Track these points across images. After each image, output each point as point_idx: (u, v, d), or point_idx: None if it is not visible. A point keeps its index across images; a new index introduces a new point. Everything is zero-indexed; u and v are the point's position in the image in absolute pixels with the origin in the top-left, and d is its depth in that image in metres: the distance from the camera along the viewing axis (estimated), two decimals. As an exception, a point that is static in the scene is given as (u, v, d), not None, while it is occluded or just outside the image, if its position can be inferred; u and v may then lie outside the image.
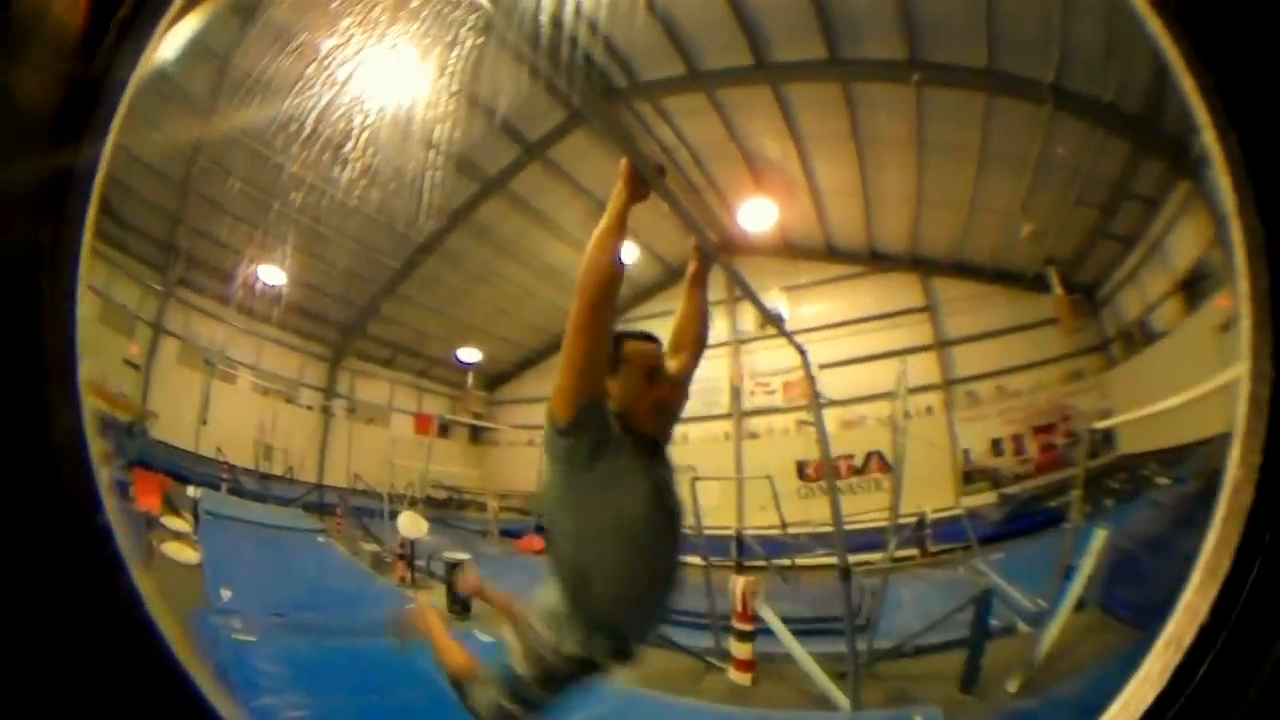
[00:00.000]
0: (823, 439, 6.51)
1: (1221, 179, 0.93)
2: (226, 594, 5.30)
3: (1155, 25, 0.98)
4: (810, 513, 8.47)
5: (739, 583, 5.67)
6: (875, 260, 9.75)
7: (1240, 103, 0.90)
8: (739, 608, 5.53)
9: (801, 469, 9.95)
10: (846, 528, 7.23)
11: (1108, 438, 10.31)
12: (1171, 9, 0.94)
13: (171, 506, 6.27)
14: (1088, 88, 6.29)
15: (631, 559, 2.19)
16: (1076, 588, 5.43)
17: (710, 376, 9.52)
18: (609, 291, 2.04)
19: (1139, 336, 10.98)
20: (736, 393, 9.86)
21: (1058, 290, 10.02)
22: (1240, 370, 0.94)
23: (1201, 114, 0.94)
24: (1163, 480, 8.30)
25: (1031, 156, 7.37)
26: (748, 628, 5.49)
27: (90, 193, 1.02)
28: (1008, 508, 8.08)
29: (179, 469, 6.85)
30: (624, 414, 2.18)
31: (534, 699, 2.42)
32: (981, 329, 10.83)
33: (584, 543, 2.18)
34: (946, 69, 6.32)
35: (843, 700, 4.99)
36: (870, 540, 7.85)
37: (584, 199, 7.38)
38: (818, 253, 9.54)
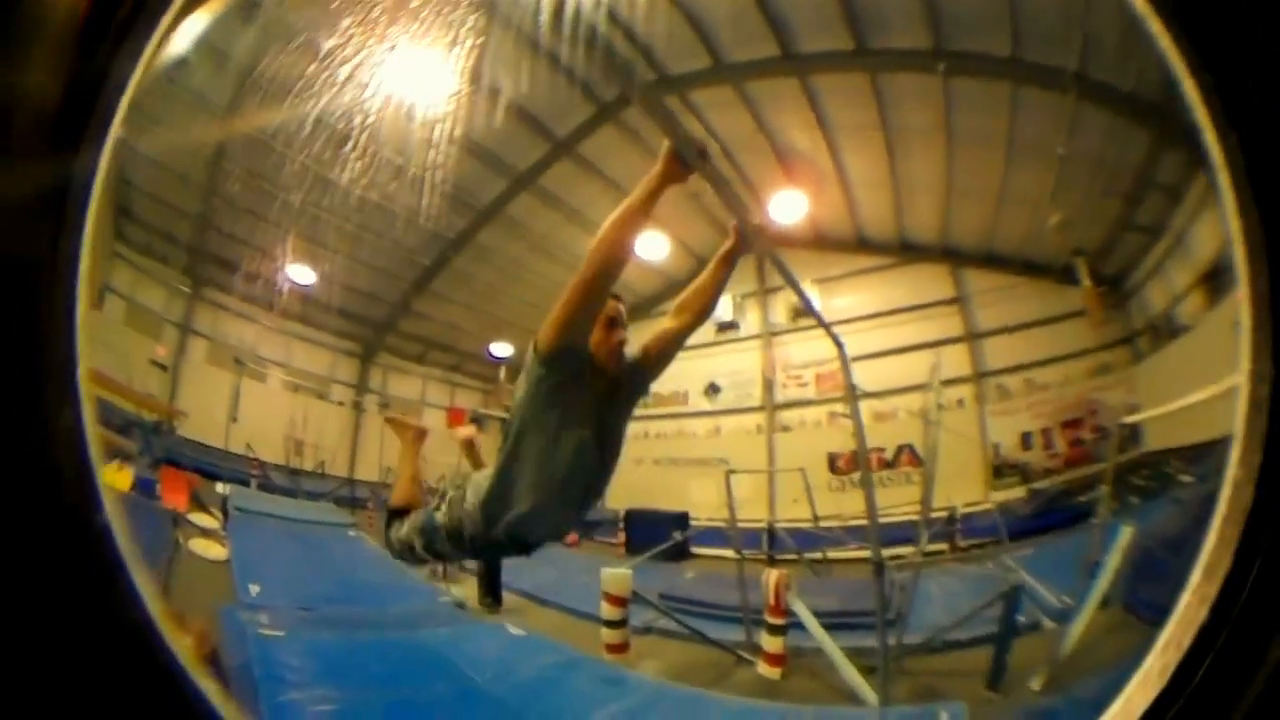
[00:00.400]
0: (859, 431, 6.47)
1: (1221, 179, 0.92)
2: (255, 589, 5.37)
3: (1155, 25, 0.97)
4: (842, 506, 8.44)
5: (772, 575, 5.66)
6: (905, 251, 9.69)
7: (1240, 103, 0.90)
8: (772, 601, 5.52)
9: (833, 462, 9.97)
10: (878, 521, 7.22)
11: (1134, 434, 10.14)
12: (1171, 9, 0.94)
13: (199, 503, 6.36)
14: (1109, 76, 6.22)
15: (549, 493, 2.40)
16: (1102, 585, 5.35)
17: (743, 369, 9.55)
18: (620, 264, 2.17)
19: (1165, 330, 10.79)
20: (769, 385, 9.81)
21: (1086, 282, 9.84)
22: (1240, 370, 0.94)
23: (1201, 114, 0.94)
24: (1186, 478, 8.16)
25: (1057, 146, 7.29)
26: (780, 621, 5.48)
27: (91, 192, 1.02)
28: (1036, 503, 7.99)
29: (209, 466, 6.97)
30: (591, 355, 2.38)
31: (440, 549, 2.79)
32: (1011, 321, 10.67)
33: (519, 461, 2.40)
34: (971, 58, 6.28)
35: (871, 695, 4.99)
36: (901, 534, 7.83)
37: (614, 193, 7.28)
38: (848, 244, 9.50)
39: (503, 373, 9.78)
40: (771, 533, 8.11)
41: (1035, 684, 4.85)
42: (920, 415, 9.96)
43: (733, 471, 7.25)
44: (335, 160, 5.32)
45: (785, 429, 9.99)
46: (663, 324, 2.66)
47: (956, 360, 10.73)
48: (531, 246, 8.79)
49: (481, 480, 2.56)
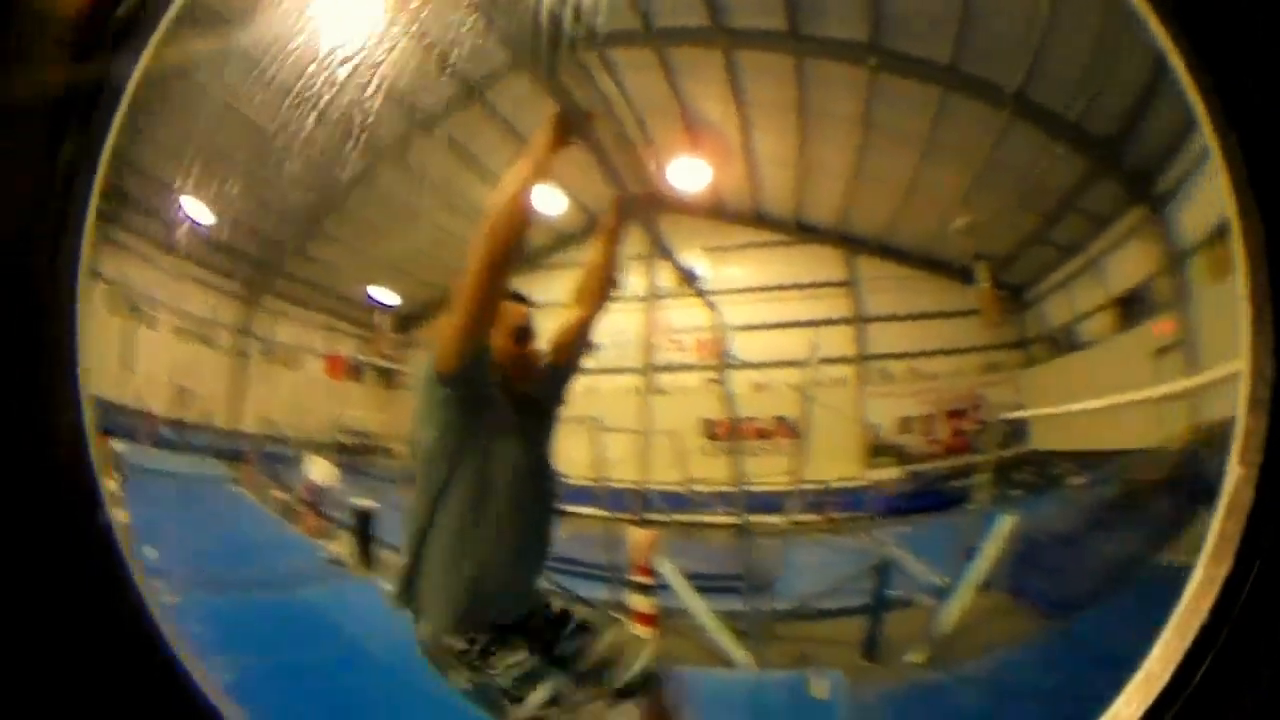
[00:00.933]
0: (728, 397, 6.56)
1: (1221, 179, 0.93)
2: (152, 554, 5.05)
3: (1155, 25, 0.97)
4: (715, 471, 8.55)
5: (638, 536, 5.70)
6: (802, 231, 9.84)
7: (1240, 103, 0.90)
8: (638, 561, 5.55)
9: (709, 427, 10.04)
10: (749, 489, 7.35)
11: (1019, 431, 10.76)
12: (1171, 9, 0.94)
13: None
14: (1056, 102, 6.43)
15: (496, 531, 2.06)
16: (979, 568, 5.60)
17: (624, 329, 9.46)
18: (516, 238, 1.95)
19: (1064, 342, 11.45)
20: (649, 347, 9.84)
21: (984, 284, 10.27)
22: (1240, 369, 0.95)
23: (1201, 114, 0.94)
24: (1077, 480, 8.71)
25: (980, 155, 7.50)
26: (647, 581, 5.56)
27: (91, 192, 1.00)
28: (915, 484, 8.33)
29: (108, 424, 6.40)
30: (502, 370, 2.12)
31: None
32: (901, 310, 11.07)
33: (447, 511, 2.04)
34: (907, 60, 6.36)
35: (743, 658, 5.11)
36: (772, 502, 8.11)
37: (516, 142, 7.17)
38: (746, 217, 9.60)
39: (384, 319, 9.46)
40: (644, 494, 8.14)
41: (914, 657, 5.04)
42: (798, 389, 10.23)
43: (603, 429, 7.19)
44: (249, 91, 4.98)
45: (662, 392, 10.03)
46: (565, 316, 2.48)
47: (841, 341, 11.05)
48: (425, 190, 8.50)
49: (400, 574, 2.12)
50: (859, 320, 11.27)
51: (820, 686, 4.48)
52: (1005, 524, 5.78)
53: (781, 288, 10.57)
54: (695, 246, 9.82)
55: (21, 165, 0.92)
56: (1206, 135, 0.96)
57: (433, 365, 1.98)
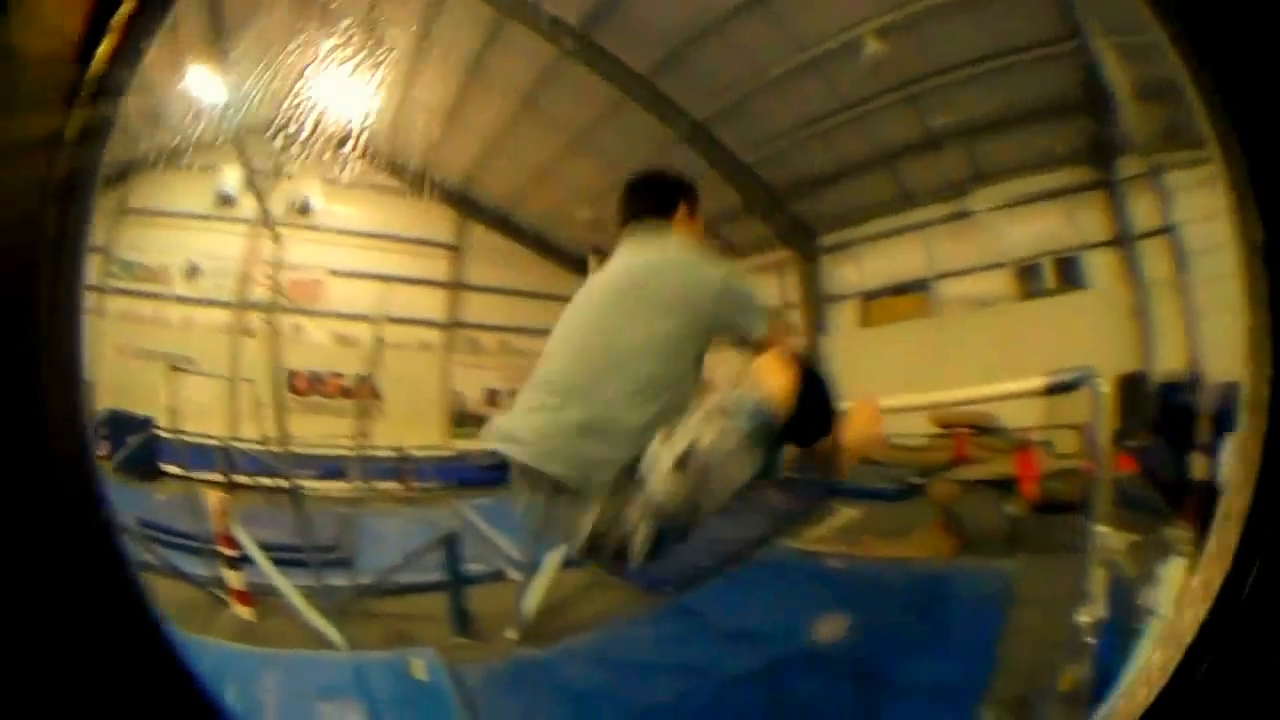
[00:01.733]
0: (273, 353, 6.10)
1: (1221, 179, 0.96)
2: None
3: (1155, 25, 0.98)
4: (300, 430, 7.77)
5: (214, 499, 4.96)
6: (422, 184, 9.48)
7: (1240, 103, 0.92)
8: (219, 529, 4.82)
9: (293, 380, 9.41)
10: (327, 451, 6.81)
11: None
12: (1171, 9, 0.96)
13: None
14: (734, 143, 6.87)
15: None
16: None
17: (226, 256, 8.29)
18: None
19: None
20: (245, 279, 8.78)
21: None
22: (1240, 370, 0.97)
23: (1201, 114, 0.97)
24: None
25: (628, 160, 7.78)
26: (232, 553, 4.84)
27: (92, 191, 0.96)
28: (497, 456, 8.25)
29: None
30: None
31: None
32: (503, 284, 11.15)
33: None
34: (600, 53, 6.51)
35: (338, 638, 4.62)
36: (349, 467, 7.62)
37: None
38: (377, 159, 8.98)
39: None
40: (227, 451, 7.11)
41: (511, 633, 4.93)
42: (384, 348, 9.93)
43: (178, 369, 6.21)
44: None
45: (250, 334, 9.03)
46: None
47: (435, 304, 10.88)
48: None
49: None
50: (457, 286, 11.13)
51: (419, 667, 4.18)
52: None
53: (389, 238, 9.99)
54: (315, 176, 8.64)
55: (21, 164, 0.87)
56: (1207, 135, 0.95)
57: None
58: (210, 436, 6.82)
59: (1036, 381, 2.01)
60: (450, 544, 5.37)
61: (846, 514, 8.26)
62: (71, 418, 0.93)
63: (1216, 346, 7.53)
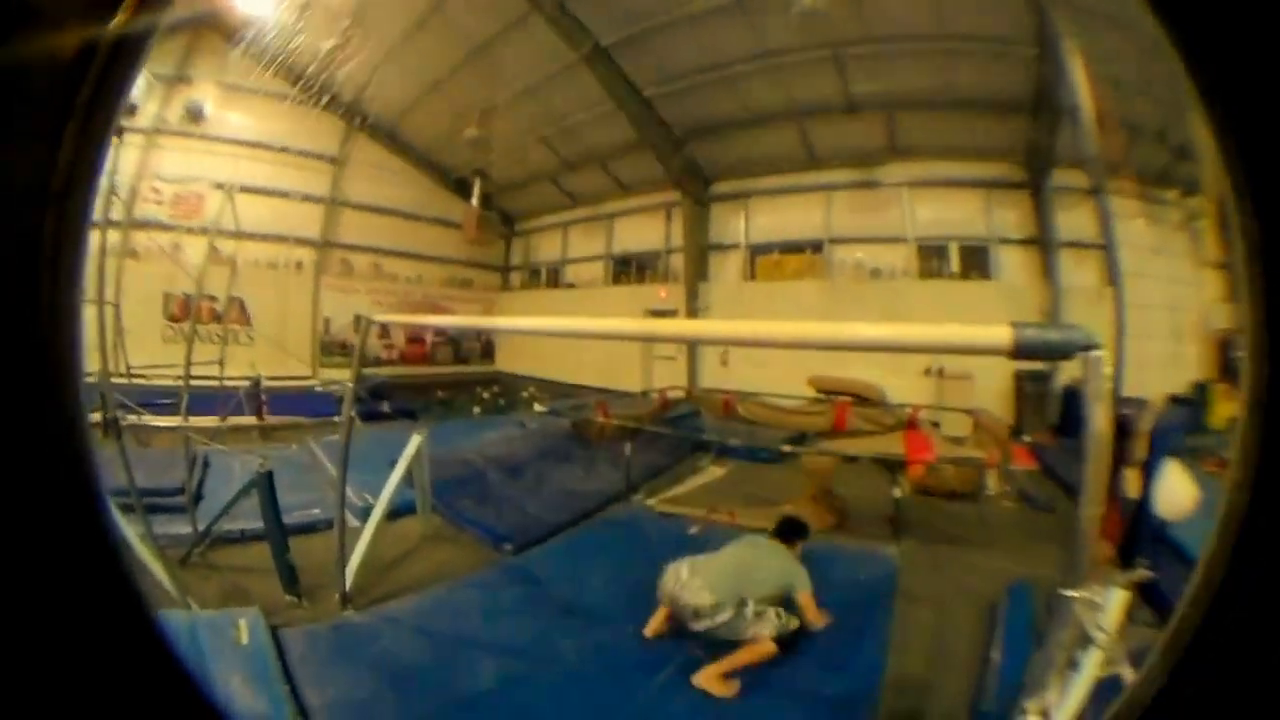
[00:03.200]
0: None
1: (1221, 179, 0.93)
2: None
3: (1155, 25, 0.93)
4: (174, 358, 7.07)
5: None
6: (313, 94, 8.89)
7: (1240, 103, 0.90)
8: None
9: (167, 305, 9.05)
10: (183, 383, 6.21)
11: (488, 350, 11.03)
12: (1171, 9, 0.93)
13: None
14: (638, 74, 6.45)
15: None
16: (392, 490, 5.14)
17: (119, 168, 7.75)
18: None
19: (548, 276, 12.11)
20: (133, 194, 8.24)
21: (474, 201, 10.32)
22: (1240, 370, 0.96)
23: (1201, 113, 0.93)
24: (540, 408, 9.04)
25: (525, 79, 7.49)
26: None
27: (94, 190, 0.89)
28: (365, 388, 7.66)
29: None
30: None
31: None
32: (381, 203, 10.58)
33: None
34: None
35: (173, 591, 4.07)
36: (214, 399, 7.23)
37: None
38: (272, 62, 8.49)
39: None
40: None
41: (336, 594, 4.43)
42: (263, 267, 9.35)
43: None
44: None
45: (134, 255, 8.40)
46: None
47: (309, 220, 10.36)
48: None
49: None
50: (333, 202, 10.50)
51: (242, 629, 3.69)
52: (414, 442, 5.42)
53: (276, 149, 9.77)
54: (214, 79, 8.89)
55: (22, 161, 0.80)
56: (1207, 136, 0.91)
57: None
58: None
59: (1003, 331, 1.72)
60: (264, 486, 4.57)
61: (712, 471, 8.12)
62: (70, 425, 0.89)
63: (1134, 362, 7.82)
